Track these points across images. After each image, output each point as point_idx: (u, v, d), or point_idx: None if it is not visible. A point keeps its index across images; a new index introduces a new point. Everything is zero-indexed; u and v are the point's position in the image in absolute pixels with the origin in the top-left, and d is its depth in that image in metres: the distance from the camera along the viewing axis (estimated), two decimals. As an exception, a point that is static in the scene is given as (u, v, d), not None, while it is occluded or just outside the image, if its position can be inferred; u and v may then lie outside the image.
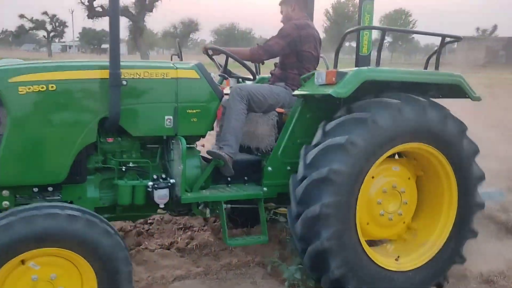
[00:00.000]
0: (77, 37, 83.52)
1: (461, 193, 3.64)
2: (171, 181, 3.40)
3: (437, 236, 3.67)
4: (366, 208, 3.49)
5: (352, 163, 3.20)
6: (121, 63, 3.11)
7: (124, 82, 3.15)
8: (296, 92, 3.66)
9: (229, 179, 3.78)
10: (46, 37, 71.20)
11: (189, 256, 4.22)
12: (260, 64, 4.45)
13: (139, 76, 3.29)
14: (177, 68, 3.43)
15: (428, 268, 3.58)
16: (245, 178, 3.84)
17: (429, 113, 3.41)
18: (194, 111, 3.48)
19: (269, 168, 3.61)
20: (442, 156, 3.54)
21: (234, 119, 3.63)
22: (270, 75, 4.28)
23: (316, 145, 3.32)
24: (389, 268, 3.46)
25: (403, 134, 3.36)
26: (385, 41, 3.68)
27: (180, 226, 4.85)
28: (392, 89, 3.50)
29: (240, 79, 4.42)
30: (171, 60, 4.39)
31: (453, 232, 3.65)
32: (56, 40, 77.85)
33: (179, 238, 4.60)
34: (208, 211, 3.65)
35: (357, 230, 3.30)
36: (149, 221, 4.95)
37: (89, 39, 76.54)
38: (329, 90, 3.26)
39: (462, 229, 3.69)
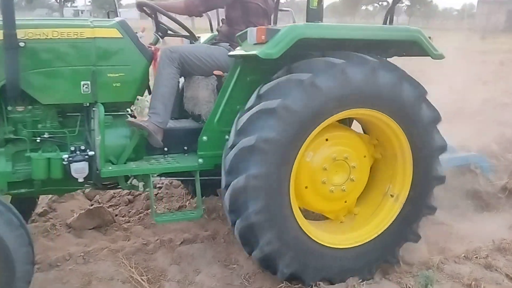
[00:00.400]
0: (89, 2, 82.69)
1: (417, 165, 3.28)
2: (90, 153, 3.09)
3: (386, 213, 3.33)
4: (309, 172, 3.15)
5: (285, 130, 2.85)
6: (24, 22, 2.80)
7: (22, 44, 2.82)
8: (231, 53, 3.29)
9: (165, 149, 3.46)
10: (58, 1, 70.62)
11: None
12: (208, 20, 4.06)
13: (46, 36, 2.95)
14: (94, 27, 3.08)
15: (373, 246, 3.27)
16: (185, 148, 3.52)
17: (380, 75, 3.02)
18: (117, 75, 3.15)
19: (204, 138, 3.28)
20: (395, 124, 3.17)
21: (162, 84, 3.28)
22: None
23: (248, 110, 2.97)
24: (328, 245, 3.16)
25: (347, 99, 2.99)
26: (402, 5, 3.26)
27: (188, 191, 4.71)
28: (348, 48, 3.12)
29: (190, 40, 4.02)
30: (108, 17, 4.02)
31: (406, 208, 3.31)
32: (68, 5, 77.20)
33: (188, 202, 4.54)
34: (141, 184, 3.35)
35: (291, 203, 2.99)
36: (158, 185, 4.84)
37: (101, 3, 75.58)
38: (257, 50, 2.88)
39: (417, 205, 3.34)
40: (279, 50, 2.86)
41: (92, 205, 4.44)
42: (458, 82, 10.39)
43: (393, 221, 3.31)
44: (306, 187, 3.18)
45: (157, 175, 3.45)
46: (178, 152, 3.51)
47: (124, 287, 3.19)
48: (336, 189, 3.22)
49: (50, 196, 4.30)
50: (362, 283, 3.20)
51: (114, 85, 3.15)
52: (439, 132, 3.32)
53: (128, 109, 3.46)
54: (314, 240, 3.10)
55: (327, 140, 3.23)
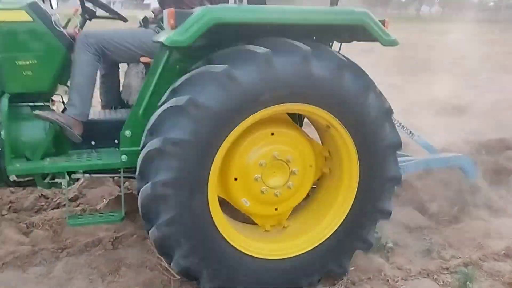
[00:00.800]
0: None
1: (364, 166, 2.87)
2: None
3: (329, 222, 2.96)
4: (244, 163, 2.81)
5: (197, 130, 2.49)
6: None
7: None
8: (153, 38, 2.92)
9: (93, 143, 3.18)
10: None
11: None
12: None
13: None
14: None
15: (312, 256, 2.91)
16: (115, 141, 3.21)
17: (314, 64, 2.60)
18: (28, 62, 2.86)
19: (127, 132, 2.95)
20: (335, 120, 2.76)
21: (78, 73, 2.97)
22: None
23: (160, 106, 2.63)
24: (258, 256, 2.82)
25: (274, 93, 2.59)
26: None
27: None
28: (290, 35, 2.71)
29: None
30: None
31: (352, 215, 2.93)
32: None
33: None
34: (64, 182, 3.08)
35: (210, 211, 2.65)
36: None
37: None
38: (163, 37, 2.51)
39: (367, 211, 2.95)
40: (189, 37, 2.48)
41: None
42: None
43: (336, 229, 2.94)
44: (235, 179, 2.82)
45: (82, 172, 3.17)
46: (109, 146, 3.21)
47: (152, 274, 3.06)
48: (269, 192, 2.86)
49: (81, 181, 4.11)
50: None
51: (24, 73, 2.88)
52: (393, 127, 2.89)
53: (51, 100, 3.17)
54: (241, 252, 2.77)
55: (272, 134, 2.87)
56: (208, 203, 2.63)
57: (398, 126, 4.04)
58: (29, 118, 2.98)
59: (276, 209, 2.96)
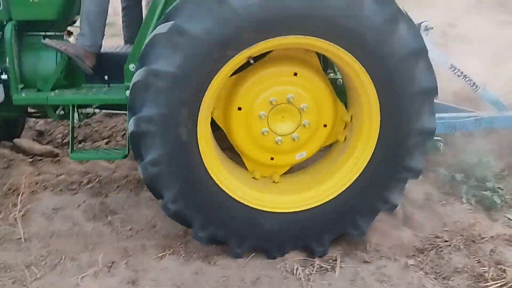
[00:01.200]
0: None
1: (387, 114, 2.43)
2: (3, 76, 2.80)
3: (344, 174, 2.58)
4: (252, 95, 2.54)
5: (183, 61, 2.23)
6: None
7: None
8: None
9: (105, 77, 3.04)
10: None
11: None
12: None
13: None
14: None
15: (321, 213, 2.57)
16: None
17: None
18: None
19: (131, 66, 2.75)
20: (351, 58, 2.33)
21: (88, 0, 2.79)
22: None
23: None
24: (257, 207, 2.54)
25: (276, 21, 2.21)
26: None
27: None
28: None
29: None
30: None
31: (370, 171, 2.53)
32: None
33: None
34: (76, 115, 3.01)
35: (200, 153, 2.41)
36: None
37: None
38: None
39: (390, 167, 2.52)
40: None
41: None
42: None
43: (351, 185, 2.56)
44: (239, 109, 2.55)
45: (96, 106, 3.06)
46: (122, 82, 3.07)
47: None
48: (269, 135, 2.55)
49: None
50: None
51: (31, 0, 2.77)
52: (428, 69, 2.39)
53: (66, 30, 3.07)
54: (237, 201, 2.51)
55: (295, 75, 2.54)
56: (198, 144, 2.39)
57: (458, 76, 3.44)
58: (39, 47, 2.90)
59: (272, 158, 2.64)
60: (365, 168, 2.52)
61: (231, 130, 2.61)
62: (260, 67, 2.54)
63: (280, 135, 2.55)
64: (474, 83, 3.50)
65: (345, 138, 2.72)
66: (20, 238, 2.82)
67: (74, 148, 3.02)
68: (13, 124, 3.90)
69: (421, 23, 3.30)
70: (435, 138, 3.11)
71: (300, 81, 2.55)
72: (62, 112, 3.03)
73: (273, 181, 2.75)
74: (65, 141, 4.11)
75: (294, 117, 2.56)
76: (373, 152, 2.49)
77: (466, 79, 3.47)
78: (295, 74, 2.54)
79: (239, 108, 2.54)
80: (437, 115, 3.48)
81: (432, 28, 3.31)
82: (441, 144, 3.15)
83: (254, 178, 2.73)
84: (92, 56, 2.88)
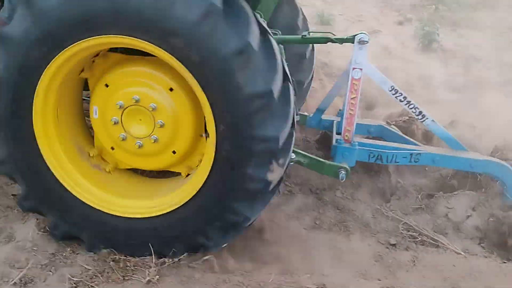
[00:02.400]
0: None
1: (220, 122, 2.20)
2: None
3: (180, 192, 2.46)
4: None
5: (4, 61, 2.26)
6: None
7: None
8: None
9: None
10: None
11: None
12: None
13: None
14: None
15: (169, 221, 2.46)
16: None
17: None
18: None
19: None
20: (176, 62, 2.16)
21: None
22: None
23: None
24: (109, 212, 2.51)
25: (84, 21, 2.12)
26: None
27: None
28: None
29: None
30: None
31: (212, 183, 2.33)
32: None
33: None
34: None
35: (41, 153, 2.42)
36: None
37: None
38: None
39: (231, 178, 2.29)
40: None
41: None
42: None
43: (195, 194, 2.38)
44: (112, 148, 2.57)
45: None
46: None
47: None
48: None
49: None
50: None
51: None
52: (257, 70, 2.12)
53: None
54: (84, 203, 2.50)
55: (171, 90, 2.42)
56: (37, 142, 2.41)
57: (401, 101, 2.93)
58: None
59: (112, 148, 2.57)
60: (207, 177, 2.33)
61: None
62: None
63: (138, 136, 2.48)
64: (420, 112, 2.95)
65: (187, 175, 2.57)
66: None
67: None
68: None
69: (355, 35, 2.93)
70: (340, 165, 2.83)
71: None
72: None
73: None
74: None
75: (148, 122, 2.43)
76: (213, 161, 2.29)
77: (410, 106, 2.94)
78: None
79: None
80: (369, 141, 3.13)
81: (367, 42, 2.87)
82: (344, 172, 2.80)
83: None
84: None
